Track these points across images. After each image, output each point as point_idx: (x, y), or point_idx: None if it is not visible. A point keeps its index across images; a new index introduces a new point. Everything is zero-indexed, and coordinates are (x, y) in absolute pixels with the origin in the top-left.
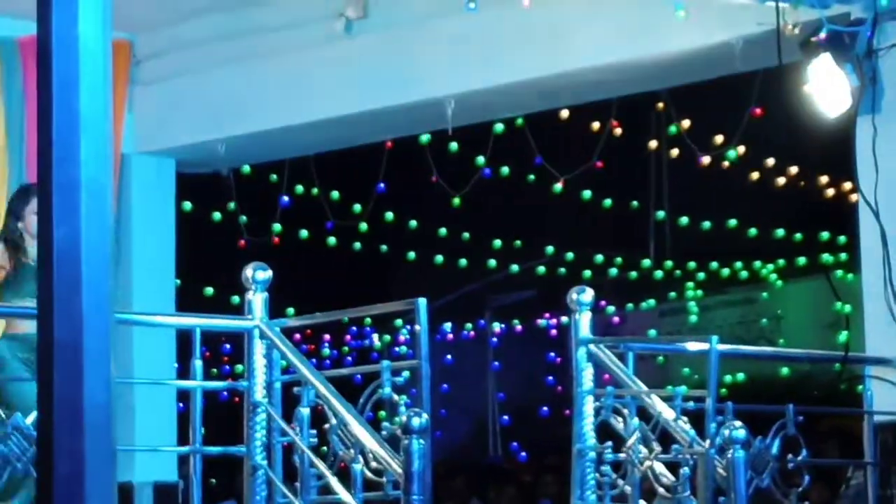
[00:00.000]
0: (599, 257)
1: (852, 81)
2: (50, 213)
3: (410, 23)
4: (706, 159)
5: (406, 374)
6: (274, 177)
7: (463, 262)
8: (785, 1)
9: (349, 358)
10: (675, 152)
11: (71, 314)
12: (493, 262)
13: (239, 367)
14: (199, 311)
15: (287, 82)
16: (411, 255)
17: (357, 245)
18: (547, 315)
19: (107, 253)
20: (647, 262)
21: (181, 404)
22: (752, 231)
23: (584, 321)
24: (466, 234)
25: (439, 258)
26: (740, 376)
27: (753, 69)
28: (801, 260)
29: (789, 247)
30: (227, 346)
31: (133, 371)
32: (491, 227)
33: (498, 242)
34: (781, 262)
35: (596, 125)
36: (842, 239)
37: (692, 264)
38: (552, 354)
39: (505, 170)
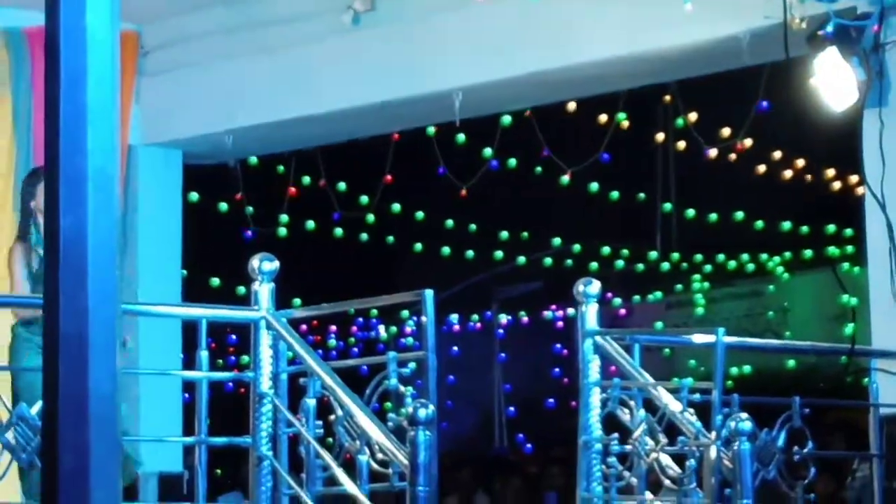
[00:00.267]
0: (606, 249)
1: (859, 75)
2: (57, 204)
3: (418, 15)
4: (713, 152)
5: (412, 365)
6: (281, 168)
7: (470, 253)
8: None
9: (355, 349)
10: (682, 145)
11: (77, 305)
12: (499, 254)
13: (245, 358)
14: (205, 302)
15: (294, 74)
16: (418, 246)
17: (364, 236)
18: (553, 307)
19: (113, 244)
20: (653, 255)
21: (187, 395)
22: (759, 224)
23: (590, 313)
24: (473, 226)
25: (446, 250)
26: (746, 368)
27: (760, 62)
28: (808, 252)
29: (796, 239)
30: (234, 336)
31: (139, 361)
32: (498, 218)
33: (505, 234)
34: (788, 254)
35: (603, 118)
36: (848, 232)
37: (699, 257)
38: (559, 346)
39: (512, 162)
